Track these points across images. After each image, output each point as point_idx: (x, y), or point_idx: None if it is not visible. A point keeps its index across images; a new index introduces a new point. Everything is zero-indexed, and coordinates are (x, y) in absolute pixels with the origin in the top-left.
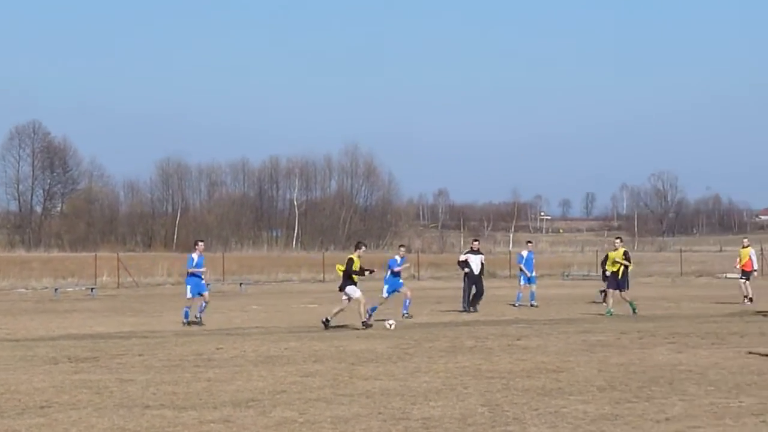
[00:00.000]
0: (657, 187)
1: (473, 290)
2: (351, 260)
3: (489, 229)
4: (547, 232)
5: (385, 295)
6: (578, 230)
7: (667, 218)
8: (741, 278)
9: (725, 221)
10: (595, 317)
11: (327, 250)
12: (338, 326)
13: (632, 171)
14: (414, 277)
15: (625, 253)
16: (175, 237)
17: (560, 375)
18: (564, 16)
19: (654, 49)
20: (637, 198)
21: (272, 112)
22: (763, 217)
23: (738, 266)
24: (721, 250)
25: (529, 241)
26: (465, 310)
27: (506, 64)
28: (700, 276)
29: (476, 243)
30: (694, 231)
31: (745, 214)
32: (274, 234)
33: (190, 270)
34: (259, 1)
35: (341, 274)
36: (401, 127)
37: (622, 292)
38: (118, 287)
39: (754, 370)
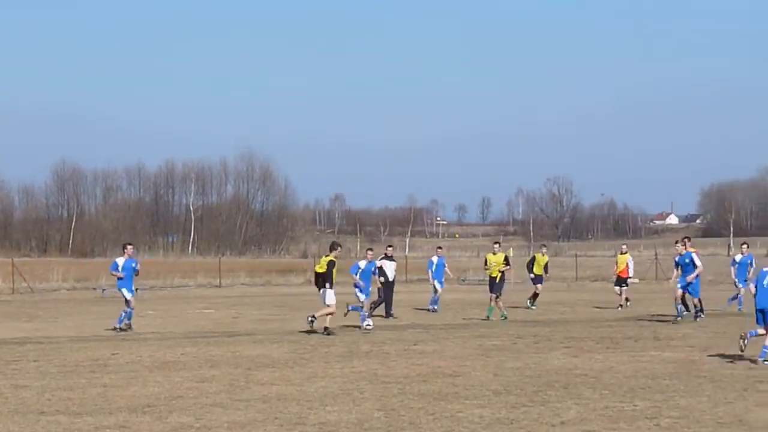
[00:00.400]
0: (552, 192)
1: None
2: (333, 262)
3: (385, 234)
4: (443, 236)
5: (363, 298)
6: (474, 235)
7: (563, 223)
8: (617, 285)
9: (620, 226)
10: (491, 322)
11: (223, 255)
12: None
13: (528, 176)
14: (311, 282)
15: (506, 258)
16: (71, 242)
17: (456, 379)
18: (458, 18)
19: (549, 56)
20: (532, 203)
21: (168, 114)
22: (657, 222)
23: (615, 272)
24: (615, 255)
25: (440, 247)
26: (389, 316)
27: (400, 68)
28: (595, 281)
29: (390, 249)
30: (589, 236)
31: (639, 219)
32: (170, 239)
33: (114, 274)
34: (148, 1)
35: (318, 275)
36: (297, 132)
37: (496, 296)
38: (12, 293)
39: (648, 374)
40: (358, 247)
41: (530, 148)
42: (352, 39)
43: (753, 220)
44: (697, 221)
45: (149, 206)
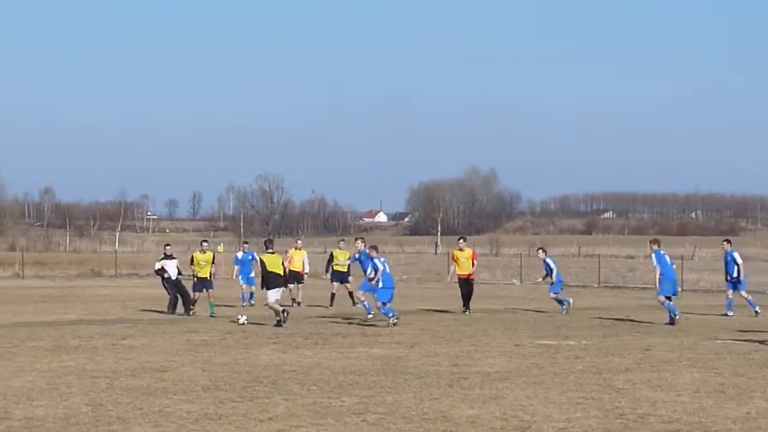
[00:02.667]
0: (263, 188)
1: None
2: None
3: (95, 228)
4: (153, 231)
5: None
6: (185, 230)
7: (273, 219)
8: (291, 282)
9: (330, 223)
10: (200, 318)
11: None
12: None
13: (239, 172)
14: (18, 275)
15: (213, 256)
16: None
17: (165, 374)
18: (172, 10)
19: (272, 55)
20: (243, 199)
21: None
22: (366, 220)
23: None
24: (325, 251)
25: (246, 242)
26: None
27: (107, 59)
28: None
29: (168, 248)
30: (300, 232)
31: (349, 216)
32: None
33: None
34: None
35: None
36: (6, 122)
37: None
38: None
39: (356, 370)
40: (68, 241)
41: (242, 144)
42: (67, 20)
43: (459, 218)
44: (406, 219)
45: None
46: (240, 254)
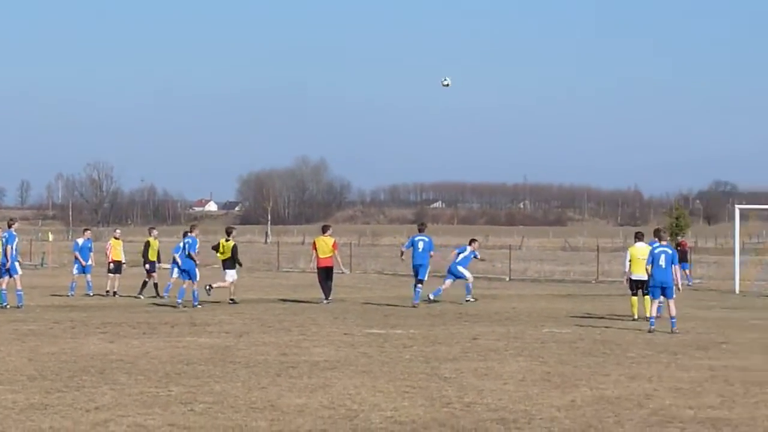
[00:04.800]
0: (92, 177)
1: None
2: (236, 246)
3: None
4: None
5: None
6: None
7: (102, 208)
8: (111, 272)
9: (160, 212)
10: (27, 307)
11: None
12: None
13: (68, 160)
14: None
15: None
16: None
17: None
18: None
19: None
20: (72, 187)
21: None
22: (196, 209)
23: (111, 259)
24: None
25: (87, 229)
26: None
27: None
28: (133, 266)
29: None
30: (129, 221)
31: (179, 205)
32: None
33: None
34: None
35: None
36: None
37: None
38: None
39: (184, 360)
40: None
41: (70, 132)
42: None
43: (290, 208)
44: (236, 209)
45: None
46: (81, 240)
